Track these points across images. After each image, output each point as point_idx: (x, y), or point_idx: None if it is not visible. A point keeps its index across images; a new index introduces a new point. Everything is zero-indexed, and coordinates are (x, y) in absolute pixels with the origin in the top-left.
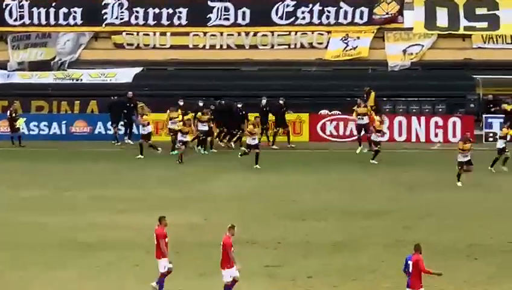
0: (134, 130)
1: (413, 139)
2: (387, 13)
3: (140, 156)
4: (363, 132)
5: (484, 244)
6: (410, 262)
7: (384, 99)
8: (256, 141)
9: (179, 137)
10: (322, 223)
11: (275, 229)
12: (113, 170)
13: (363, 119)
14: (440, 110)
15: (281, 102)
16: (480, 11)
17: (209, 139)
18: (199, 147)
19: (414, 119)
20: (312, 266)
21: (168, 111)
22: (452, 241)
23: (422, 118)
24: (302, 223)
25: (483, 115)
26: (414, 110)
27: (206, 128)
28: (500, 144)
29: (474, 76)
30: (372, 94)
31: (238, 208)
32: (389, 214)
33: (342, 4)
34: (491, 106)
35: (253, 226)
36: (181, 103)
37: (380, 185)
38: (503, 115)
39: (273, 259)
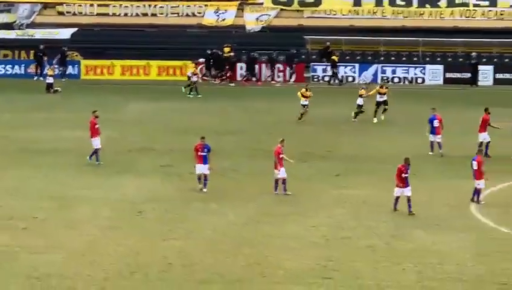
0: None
1: (263, 79)
2: None
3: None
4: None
5: (309, 152)
6: (474, 162)
7: (243, 51)
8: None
9: (302, 102)
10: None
11: (167, 140)
12: (57, 99)
13: (382, 96)
14: (281, 59)
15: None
16: None
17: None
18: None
19: (263, 66)
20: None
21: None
22: (288, 150)
23: (269, 65)
24: (186, 137)
25: (311, 63)
26: (263, 60)
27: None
28: (378, 98)
29: (305, 36)
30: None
31: (143, 126)
32: (247, 131)
33: None
34: (329, 50)
35: (153, 137)
36: (208, 52)
37: (241, 111)
38: (331, 64)
39: (166, 161)
